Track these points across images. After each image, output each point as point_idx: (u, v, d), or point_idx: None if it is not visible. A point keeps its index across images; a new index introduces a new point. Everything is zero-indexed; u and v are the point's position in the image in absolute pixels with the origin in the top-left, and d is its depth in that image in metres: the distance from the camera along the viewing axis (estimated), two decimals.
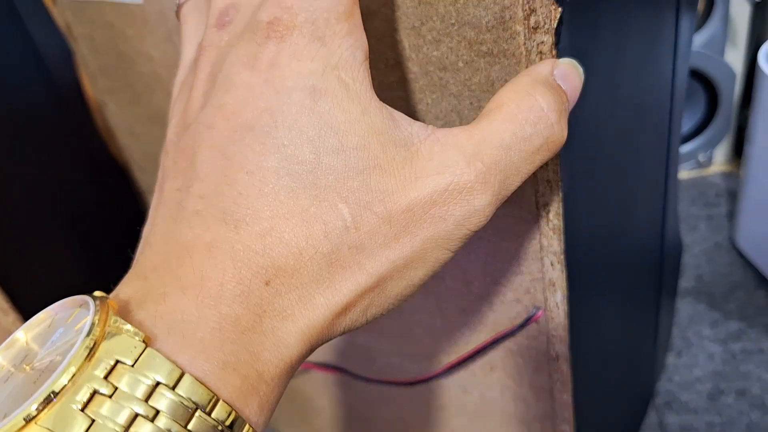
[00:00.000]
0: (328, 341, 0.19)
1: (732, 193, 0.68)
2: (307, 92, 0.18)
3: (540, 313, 0.29)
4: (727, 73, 0.64)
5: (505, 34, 0.21)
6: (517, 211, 0.26)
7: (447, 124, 0.25)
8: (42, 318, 0.18)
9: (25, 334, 0.17)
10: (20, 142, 0.39)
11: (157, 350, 0.16)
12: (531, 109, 0.19)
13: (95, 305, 0.16)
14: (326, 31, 0.18)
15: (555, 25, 0.21)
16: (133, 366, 0.16)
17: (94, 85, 0.36)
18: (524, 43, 0.21)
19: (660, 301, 0.45)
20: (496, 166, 0.19)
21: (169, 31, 0.31)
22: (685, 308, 0.58)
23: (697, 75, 0.64)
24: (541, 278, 0.28)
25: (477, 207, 0.19)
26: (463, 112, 0.24)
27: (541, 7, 0.21)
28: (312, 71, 0.18)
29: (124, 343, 0.16)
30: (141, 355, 0.16)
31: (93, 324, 0.16)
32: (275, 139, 0.18)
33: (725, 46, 0.64)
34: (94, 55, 0.35)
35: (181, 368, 0.16)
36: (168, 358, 0.16)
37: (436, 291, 0.32)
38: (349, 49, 0.18)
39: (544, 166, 0.24)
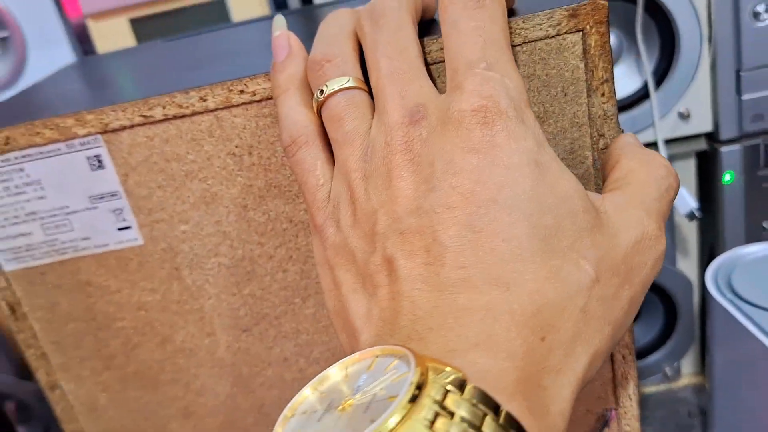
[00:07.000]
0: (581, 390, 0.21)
1: (705, 410, 0.62)
2: (534, 166, 0.20)
3: (613, 413, 0.30)
4: (683, 282, 0.61)
5: (575, 161, 0.26)
6: None
7: None
8: (358, 359, 0.19)
9: (340, 371, 0.19)
10: None
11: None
12: (659, 167, 0.23)
13: (411, 354, 0.18)
14: (524, 114, 0.21)
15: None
16: (461, 396, 0.17)
17: None
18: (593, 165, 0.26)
19: None
20: (658, 215, 0.22)
21: None
22: None
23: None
24: (611, 378, 0.29)
25: (661, 251, 0.22)
26: None
27: (608, 131, 0.25)
28: (529, 149, 0.21)
29: (446, 379, 0.17)
30: (465, 388, 0.17)
31: (416, 364, 0.17)
32: (521, 210, 0.20)
33: (675, 255, 0.61)
34: None
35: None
36: (491, 396, 0.17)
37: None
38: (540, 129, 0.21)
39: None
